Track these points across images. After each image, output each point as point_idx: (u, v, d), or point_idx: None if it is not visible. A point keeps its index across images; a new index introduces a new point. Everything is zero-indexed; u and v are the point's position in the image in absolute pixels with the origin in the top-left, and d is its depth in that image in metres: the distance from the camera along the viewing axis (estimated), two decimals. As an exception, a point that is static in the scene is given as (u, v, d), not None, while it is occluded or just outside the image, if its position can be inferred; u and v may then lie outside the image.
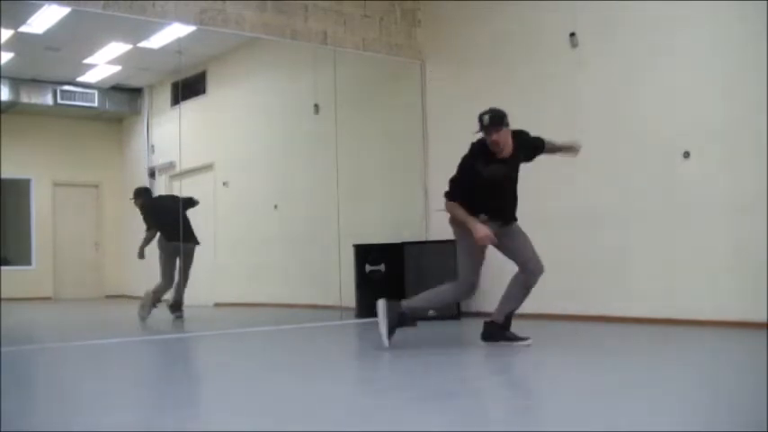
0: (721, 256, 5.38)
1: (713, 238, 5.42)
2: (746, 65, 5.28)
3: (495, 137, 4.43)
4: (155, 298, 7.29)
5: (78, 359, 4.82)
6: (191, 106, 8.12)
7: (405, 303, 4.75)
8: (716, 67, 5.46)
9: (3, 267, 7.73)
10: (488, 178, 4.52)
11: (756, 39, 5.16)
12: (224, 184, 8.57)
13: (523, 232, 4.70)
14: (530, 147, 4.72)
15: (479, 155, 4.52)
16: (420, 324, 6.40)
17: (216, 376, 4.12)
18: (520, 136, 4.63)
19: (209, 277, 8.35)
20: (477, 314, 6.57)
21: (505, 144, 4.49)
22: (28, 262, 8.35)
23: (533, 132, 4.77)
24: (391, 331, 4.68)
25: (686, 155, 5.56)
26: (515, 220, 4.71)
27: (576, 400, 3.07)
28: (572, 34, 6.30)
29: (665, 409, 2.84)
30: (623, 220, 5.97)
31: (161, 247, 7.38)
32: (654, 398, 3.07)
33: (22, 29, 6.94)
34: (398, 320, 4.70)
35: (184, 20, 6.35)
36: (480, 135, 4.49)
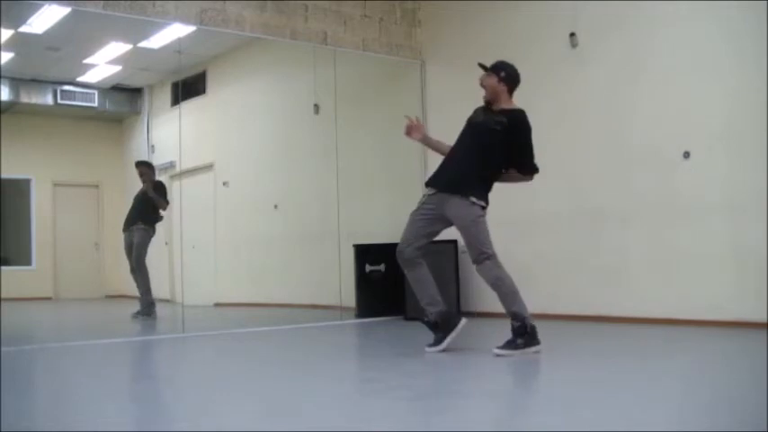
0: (721, 256, 5.37)
1: (713, 238, 5.42)
2: (746, 65, 5.28)
3: (483, 78, 4.53)
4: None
5: (78, 359, 4.82)
6: (191, 106, 8.12)
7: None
8: (716, 67, 5.45)
9: (3, 267, 7.73)
10: (467, 124, 4.56)
11: (757, 39, 5.16)
12: (224, 184, 8.57)
13: (461, 225, 4.34)
14: (518, 128, 4.40)
15: (483, 107, 4.58)
16: (420, 324, 6.41)
17: (215, 376, 4.12)
18: (517, 114, 4.45)
19: (210, 277, 8.35)
20: (479, 314, 6.57)
21: (491, 95, 4.48)
22: (28, 262, 8.35)
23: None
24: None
25: (686, 155, 5.56)
26: (451, 192, 4.37)
27: (575, 400, 3.07)
28: (572, 34, 6.30)
29: (664, 409, 2.84)
30: (623, 220, 5.96)
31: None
32: (653, 398, 3.07)
33: (22, 29, 6.94)
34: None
35: (184, 20, 6.34)
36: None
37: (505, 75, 4.48)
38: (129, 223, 7.56)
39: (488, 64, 4.61)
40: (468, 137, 4.51)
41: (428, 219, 4.46)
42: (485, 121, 4.47)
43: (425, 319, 4.50)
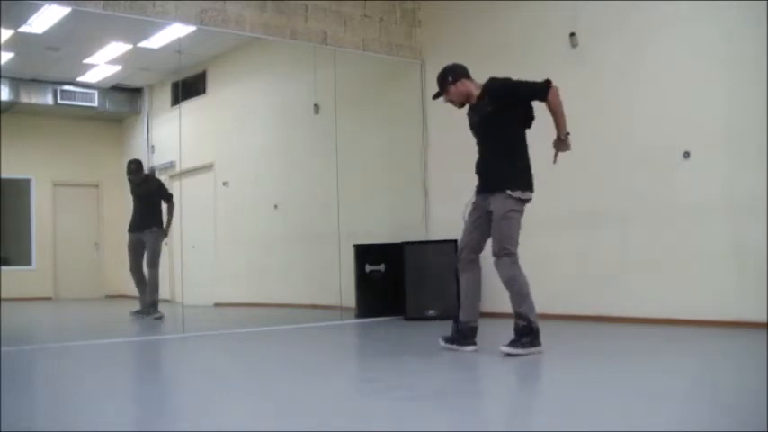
0: (721, 256, 5.37)
1: (713, 238, 5.42)
2: (746, 65, 5.27)
3: (445, 98, 4.56)
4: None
5: (78, 359, 4.82)
6: (191, 106, 8.12)
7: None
8: (716, 66, 5.45)
9: (3, 267, 7.73)
10: (472, 131, 4.58)
11: (757, 39, 5.16)
12: (224, 184, 8.58)
13: (496, 215, 4.31)
14: (498, 88, 4.39)
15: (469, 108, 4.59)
16: (420, 324, 6.42)
17: (215, 376, 4.12)
18: (488, 82, 4.46)
19: (210, 277, 8.35)
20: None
21: (465, 98, 4.51)
22: (28, 262, 8.36)
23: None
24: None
25: (686, 155, 5.56)
26: (494, 192, 4.35)
27: (574, 400, 3.07)
28: (572, 34, 6.30)
29: (664, 409, 2.84)
30: (623, 220, 5.96)
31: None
32: (653, 398, 3.07)
33: (22, 29, 6.94)
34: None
35: (184, 20, 6.35)
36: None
37: (452, 76, 4.52)
38: (142, 227, 7.51)
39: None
40: (480, 138, 4.55)
41: (476, 216, 4.49)
42: (478, 115, 4.51)
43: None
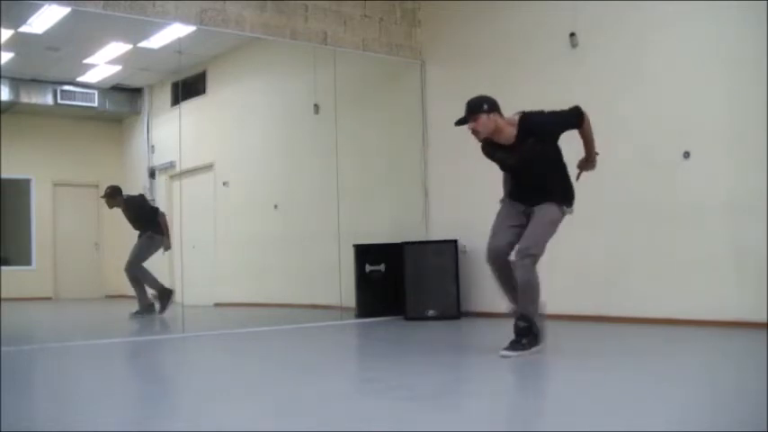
0: (721, 256, 5.37)
1: (713, 238, 5.42)
2: (746, 65, 5.27)
3: (471, 125, 4.30)
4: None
5: (78, 359, 4.82)
6: (191, 106, 8.12)
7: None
8: (716, 66, 5.45)
9: (3, 267, 7.73)
10: (500, 164, 4.50)
11: (757, 38, 5.16)
12: (224, 184, 8.58)
13: (540, 216, 4.31)
14: (541, 128, 4.31)
15: (487, 142, 4.41)
16: (420, 324, 6.42)
17: (215, 376, 4.12)
18: (525, 120, 4.31)
19: (210, 277, 8.35)
20: (478, 314, 6.57)
21: (491, 132, 4.29)
22: (28, 262, 8.36)
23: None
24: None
25: (686, 155, 5.56)
26: (542, 203, 4.33)
27: (573, 400, 3.07)
28: (572, 34, 6.30)
29: (664, 409, 2.84)
30: (623, 220, 5.96)
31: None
32: (653, 398, 3.07)
33: (22, 29, 6.94)
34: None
35: (184, 20, 6.35)
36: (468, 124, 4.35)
37: (489, 105, 4.30)
38: (140, 234, 7.63)
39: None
40: (525, 172, 4.42)
41: (517, 219, 4.42)
42: (524, 155, 4.35)
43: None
